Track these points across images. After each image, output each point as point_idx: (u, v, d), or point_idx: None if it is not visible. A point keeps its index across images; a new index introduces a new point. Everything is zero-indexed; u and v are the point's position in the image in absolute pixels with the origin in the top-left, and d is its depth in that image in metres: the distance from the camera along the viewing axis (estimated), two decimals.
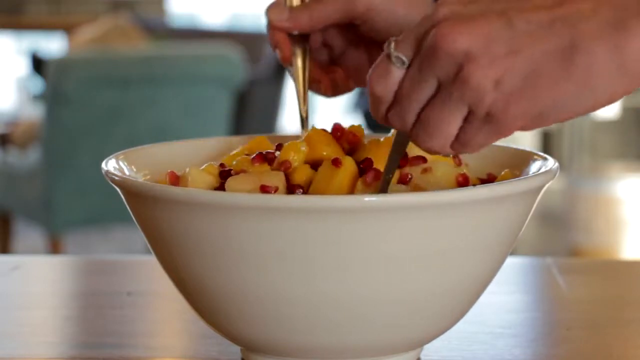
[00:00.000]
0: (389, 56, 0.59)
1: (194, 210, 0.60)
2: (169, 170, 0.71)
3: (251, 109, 3.70)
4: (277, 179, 0.65)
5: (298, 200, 0.59)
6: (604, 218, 3.33)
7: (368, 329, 0.63)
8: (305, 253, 0.59)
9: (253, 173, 0.66)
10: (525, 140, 3.63)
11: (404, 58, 0.58)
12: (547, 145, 4.22)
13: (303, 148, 0.68)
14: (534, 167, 0.69)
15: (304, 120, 0.76)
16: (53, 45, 5.67)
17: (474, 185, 0.67)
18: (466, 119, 0.58)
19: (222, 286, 0.62)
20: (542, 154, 0.70)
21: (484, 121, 0.57)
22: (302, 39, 0.76)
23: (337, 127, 0.71)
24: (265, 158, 0.68)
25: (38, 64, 3.88)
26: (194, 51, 3.25)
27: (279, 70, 3.93)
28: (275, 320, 0.62)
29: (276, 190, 0.64)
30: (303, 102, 0.76)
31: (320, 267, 0.60)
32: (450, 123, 0.58)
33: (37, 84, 4.47)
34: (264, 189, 0.64)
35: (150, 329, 0.82)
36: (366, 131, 0.77)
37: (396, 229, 0.59)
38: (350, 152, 0.70)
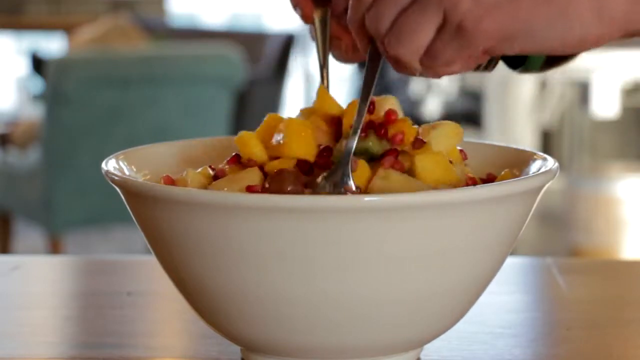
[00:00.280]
0: None
1: (194, 210, 0.60)
2: (167, 171, 0.71)
3: (251, 109, 3.71)
4: (254, 176, 0.65)
5: (298, 200, 0.59)
6: (604, 218, 3.33)
7: (368, 329, 0.63)
8: (305, 253, 0.59)
9: (232, 175, 0.66)
10: (525, 140, 3.63)
11: None
12: (547, 145, 4.21)
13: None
14: (534, 167, 0.69)
15: (324, 79, 0.75)
16: (53, 45, 5.67)
17: (474, 185, 0.67)
18: (438, 31, 0.58)
19: (222, 286, 0.62)
20: (542, 154, 0.70)
21: (454, 34, 0.58)
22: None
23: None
24: (239, 159, 0.68)
25: (38, 64, 3.88)
26: (194, 51, 3.25)
27: (279, 70, 3.94)
28: (275, 320, 0.62)
29: (263, 187, 0.64)
30: (323, 62, 0.76)
31: (320, 267, 0.60)
32: (423, 31, 0.59)
33: (37, 84, 4.47)
34: (251, 190, 0.64)
35: (150, 329, 0.82)
36: None
37: (396, 229, 0.59)
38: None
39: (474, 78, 4.38)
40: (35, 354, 0.74)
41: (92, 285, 0.92)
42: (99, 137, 2.96)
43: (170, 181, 0.69)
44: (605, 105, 3.47)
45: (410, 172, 0.65)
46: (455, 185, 0.65)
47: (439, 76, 0.62)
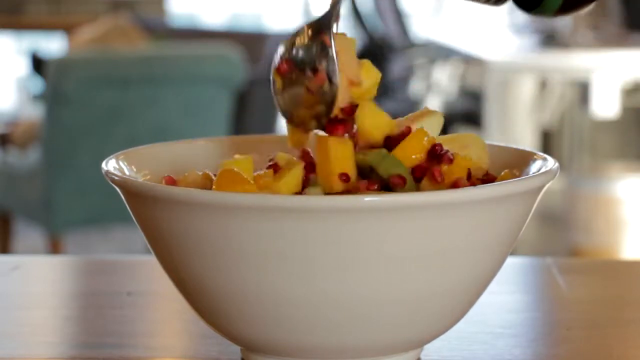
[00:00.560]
0: None
1: (194, 210, 0.60)
2: (168, 172, 0.71)
3: (251, 109, 3.70)
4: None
5: (298, 200, 0.59)
6: (604, 218, 3.33)
7: (368, 329, 0.63)
8: (305, 253, 0.59)
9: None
10: (525, 140, 3.63)
11: None
12: (547, 145, 4.21)
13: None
14: (534, 167, 0.69)
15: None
16: (53, 45, 5.67)
17: (474, 185, 0.67)
18: None
19: (222, 286, 0.62)
20: (542, 154, 0.70)
21: None
22: None
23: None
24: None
25: (38, 64, 3.88)
26: (194, 51, 3.25)
27: None
28: (275, 320, 0.62)
29: None
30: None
31: (320, 267, 0.60)
32: None
33: (37, 84, 4.47)
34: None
35: (150, 329, 0.82)
36: None
37: (396, 229, 0.59)
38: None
39: (474, 78, 4.38)
40: (35, 354, 0.74)
41: (92, 285, 0.92)
42: (99, 137, 2.96)
43: (172, 181, 0.69)
44: (605, 105, 3.47)
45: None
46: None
47: None
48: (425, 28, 5.43)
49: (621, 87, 3.54)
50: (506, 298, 0.84)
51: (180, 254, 0.63)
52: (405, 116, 0.69)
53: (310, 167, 0.66)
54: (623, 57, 3.46)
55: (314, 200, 0.59)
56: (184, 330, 0.80)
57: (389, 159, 0.65)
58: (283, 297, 0.61)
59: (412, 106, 4.36)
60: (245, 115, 3.65)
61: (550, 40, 3.76)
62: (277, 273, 0.60)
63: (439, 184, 0.65)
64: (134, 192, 0.64)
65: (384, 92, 4.52)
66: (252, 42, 4.01)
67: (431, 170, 0.65)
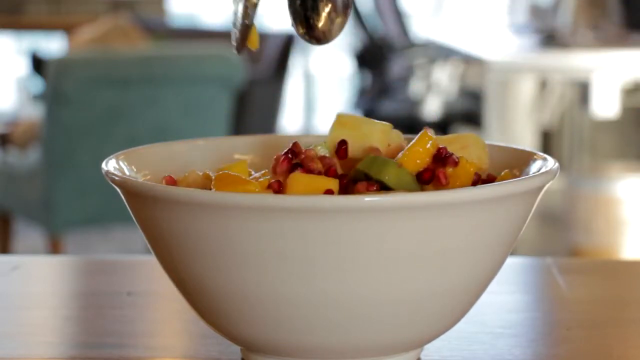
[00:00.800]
0: None
1: (194, 210, 0.60)
2: (168, 172, 0.71)
3: (251, 109, 3.71)
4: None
5: (298, 200, 0.59)
6: (604, 218, 3.33)
7: (368, 329, 0.63)
8: (305, 253, 0.59)
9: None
10: (525, 140, 3.63)
11: None
12: (547, 145, 4.22)
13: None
14: (534, 167, 0.69)
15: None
16: (53, 45, 5.68)
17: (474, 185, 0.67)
18: None
19: (222, 286, 0.62)
20: (542, 154, 0.70)
21: None
22: None
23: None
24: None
25: (38, 64, 3.88)
26: (194, 51, 3.25)
27: (279, 70, 3.93)
28: (275, 320, 0.62)
29: None
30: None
31: (320, 267, 0.60)
32: None
33: (37, 84, 4.47)
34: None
35: (150, 329, 0.82)
36: None
37: (396, 229, 0.59)
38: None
39: (474, 78, 4.38)
40: (35, 354, 0.74)
41: (92, 285, 0.92)
42: (99, 137, 2.97)
43: (172, 181, 0.69)
44: (605, 105, 3.47)
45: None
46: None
47: None
48: (425, 28, 5.44)
49: (621, 87, 3.54)
50: (506, 298, 0.84)
51: (180, 254, 0.63)
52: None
53: None
54: (623, 57, 3.46)
55: (314, 200, 0.59)
56: (184, 330, 0.80)
57: (378, 160, 0.65)
58: (283, 297, 0.61)
59: (412, 106, 4.36)
60: (245, 115, 3.65)
61: (550, 40, 3.76)
62: (277, 273, 0.60)
63: (444, 187, 0.65)
64: (134, 192, 0.64)
65: (384, 92, 4.52)
66: None
67: (436, 173, 0.65)
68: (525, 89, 3.72)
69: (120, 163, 0.70)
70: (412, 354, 0.67)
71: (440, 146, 0.66)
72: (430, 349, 0.70)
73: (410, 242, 0.60)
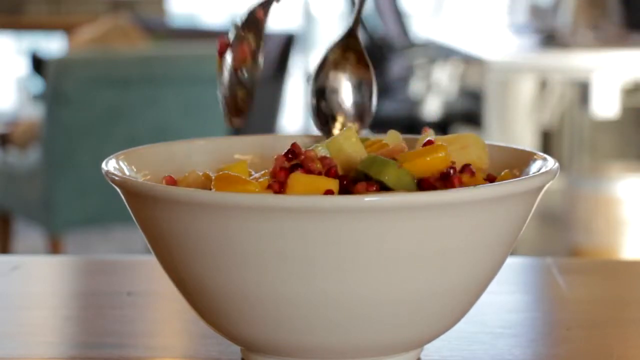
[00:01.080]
0: None
1: (194, 210, 0.60)
2: (168, 172, 0.71)
3: (251, 109, 3.70)
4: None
5: (298, 200, 0.59)
6: (604, 218, 3.33)
7: (368, 329, 0.63)
8: (305, 253, 0.59)
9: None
10: (525, 140, 3.63)
11: None
12: (547, 145, 4.21)
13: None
14: (534, 167, 0.69)
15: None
16: (53, 45, 5.68)
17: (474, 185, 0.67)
18: None
19: (222, 286, 0.62)
20: (542, 154, 0.70)
21: None
22: None
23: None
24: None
25: (38, 64, 3.88)
26: (194, 51, 3.25)
27: (279, 70, 3.93)
28: (275, 320, 0.62)
29: None
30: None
31: (320, 267, 0.60)
32: None
33: (37, 84, 4.47)
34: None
35: (150, 329, 0.82)
36: (365, 132, 0.77)
37: (396, 229, 0.59)
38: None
39: (474, 78, 4.38)
40: (35, 354, 0.74)
41: (92, 285, 0.92)
42: (99, 137, 2.96)
43: (172, 181, 0.69)
44: (605, 105, 3.47)
45: None
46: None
47: None
48: (425, 28, 5.44)
49: (621, 87, 3.54)
50: (506, 298, 0.84)
51: (180, 254, 0.63)
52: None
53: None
54: (623, 57, 3.46)
55: (314, 200, 0.59)
56: (184, 330, 0.80)
57: (378, 160, 0.65)
58: (283, 297, 0.61)
59: (412, 106, 4.36)
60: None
61: (550, 40, 3.76)
62: (277, 273, 0.60)
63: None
64: (134, 192, 0.64)
65: (384, 92, 4.52)
66: None
67: (451, 179, 0.64)
68: (525, 89, 3.73)
69: (120, 163, 0.70)
70: (412, 354, 0.67)
71: (452, 163, 0.65)
72: (430, 349, 0.70)
73: (410, 242, 0.60)
